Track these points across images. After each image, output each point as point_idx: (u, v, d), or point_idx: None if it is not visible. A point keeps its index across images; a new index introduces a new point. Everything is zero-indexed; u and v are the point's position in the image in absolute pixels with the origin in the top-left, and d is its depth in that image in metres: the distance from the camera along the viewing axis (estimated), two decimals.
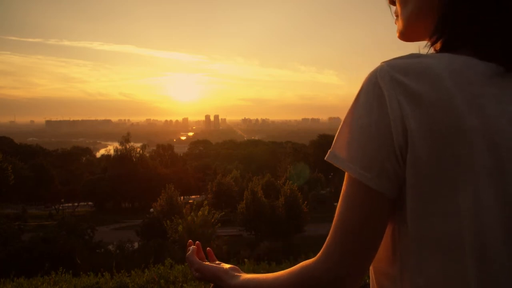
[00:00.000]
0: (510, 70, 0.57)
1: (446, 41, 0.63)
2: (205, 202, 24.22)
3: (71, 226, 22.25)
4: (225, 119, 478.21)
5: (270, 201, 28.28)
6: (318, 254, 0.63)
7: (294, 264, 0.68)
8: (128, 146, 50.11)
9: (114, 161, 48.64)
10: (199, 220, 20.10)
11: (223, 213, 24.91)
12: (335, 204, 0.64)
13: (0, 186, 36.18)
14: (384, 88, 0.57)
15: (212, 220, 20.68)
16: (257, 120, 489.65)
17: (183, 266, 5.02)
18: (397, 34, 0.73)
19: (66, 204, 46.44)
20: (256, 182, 30.04)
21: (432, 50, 0.67)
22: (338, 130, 0.62)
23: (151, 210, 30.62)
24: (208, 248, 0.94)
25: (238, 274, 0.78)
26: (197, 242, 0.94)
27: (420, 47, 0.69)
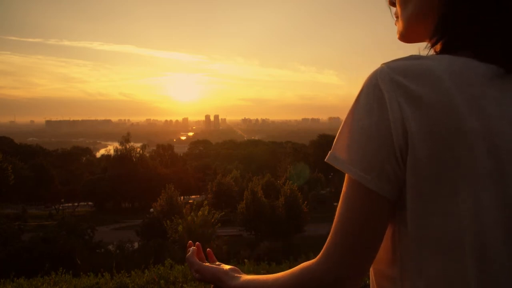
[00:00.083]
0: (510, 71, 0.57)
1: (446, 42, 0.63)
2: (205, 202, 24.22)
3: (71, 226, 22.25)
4: (225, 119, 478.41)
5: (270, 201, 28.29)
6: (319, 256, 0.63)
7: (294, 264, 0.68)
8: (128, 146, 50.12)
9: (114, 161, 48.64)
10: (199, 220, 20.10)
11: (223, 213, 24.90)
12: (335, 204, 0.64)
13: (0, 186, 36.19)
14: (385, 90, 0.57)
15: (212, 220, 20.68)
16: (257, 120, 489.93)
17: (183, 266, 5.01)
18: (397, 36, 0.73)
19: (66, 204, 46.45)
20: (256, 182, 30.04)
21: (432, 52, 0.67)
22: (338, 132, 0.62)
23: (151, 210, 30.62)
24: (208, 249, 0.94)
25: (238, 275, 0.78)
26: (197, 243, 0.94)
27: (420, 48, 0.69)
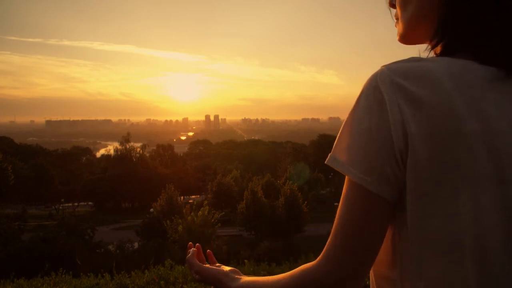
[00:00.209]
0: (510, 73, 0.57)
1: (446, 43, 0.63)
2: (205, 202, 24.22)
3: (71, 226, 22.25)
4: (225, 119, 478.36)
5: (270, 201, 28.28)
6: (319, 257, 0.63)
7: (294, 265, 0.68)
8: (128, 146, 50.12)
9: (114, 161, 48.64)
10: (199, 220, 20.10)
11: (223, 213, 24.89)
12: (335, 204, 0.64)
13: (0, 186, 36.19)
14: (385, 92, 0.57)
15: (212, 220, 20.68)
16: (257, 120, 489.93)
17: (183, 267, 5.01)
18: (397, 38, 0.73)
19: (66, 204, 46.46)
20: (256, 182, 30.03)
21: (432, 54, 0.67)
22: (339, 134, 0.62)
23: (151, 210, 30.62)
24: (208, 250, 0.94)
25: (238, 276, 0.78)
26: (197, 244, 0.94)
27: (420, 50, 0.69)
